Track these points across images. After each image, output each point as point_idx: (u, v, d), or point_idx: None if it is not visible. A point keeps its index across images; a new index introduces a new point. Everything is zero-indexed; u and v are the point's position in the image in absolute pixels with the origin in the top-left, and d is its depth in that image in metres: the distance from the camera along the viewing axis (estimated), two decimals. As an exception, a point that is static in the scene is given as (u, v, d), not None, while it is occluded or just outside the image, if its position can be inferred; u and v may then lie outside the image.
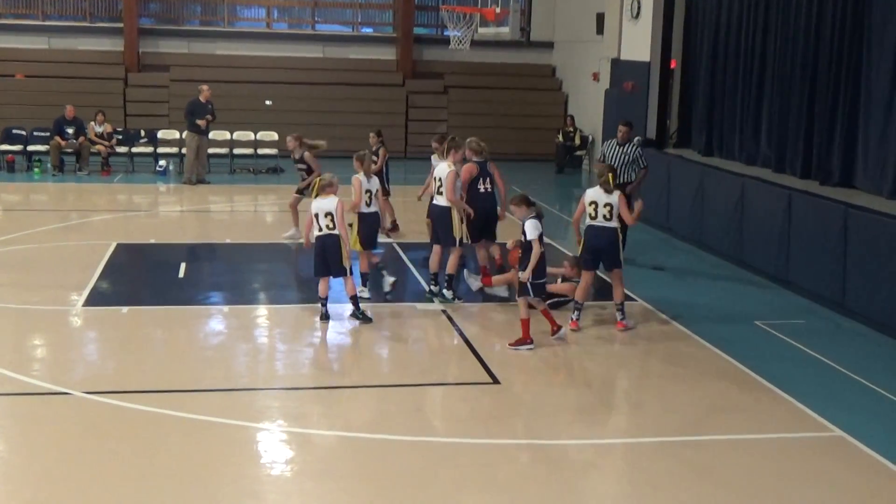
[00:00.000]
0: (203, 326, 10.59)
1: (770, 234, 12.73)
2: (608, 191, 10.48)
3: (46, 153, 20.94)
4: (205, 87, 20.35)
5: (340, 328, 10.68)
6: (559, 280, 11.19)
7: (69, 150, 20.91)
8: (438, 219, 11.45)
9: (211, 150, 22.09)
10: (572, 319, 10.54)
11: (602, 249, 10.61)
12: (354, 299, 10.51)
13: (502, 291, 11.58)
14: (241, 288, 12.19)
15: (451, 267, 11.40)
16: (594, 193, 10.55)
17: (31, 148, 21.38)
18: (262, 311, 11.20)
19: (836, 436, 7.78)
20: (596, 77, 23.28)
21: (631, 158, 13.60)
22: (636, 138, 14.48)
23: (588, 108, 24.06)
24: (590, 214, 10.57)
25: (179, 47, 25.75)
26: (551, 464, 7.18)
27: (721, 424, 8.09)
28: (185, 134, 20.47)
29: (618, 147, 13.74)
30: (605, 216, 10.49)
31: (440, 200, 11.36)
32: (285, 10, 27.04)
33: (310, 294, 12.11)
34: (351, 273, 10.47)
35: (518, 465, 7.12)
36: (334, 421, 7.83)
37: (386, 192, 14.45)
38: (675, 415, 8.26)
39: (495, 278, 11.65)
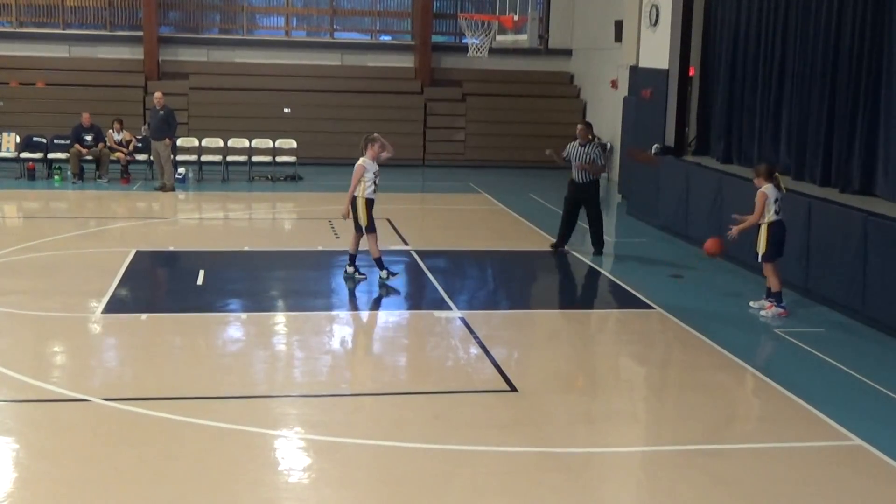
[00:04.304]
0: (221, 333, 10.63)
1: (789, 241, 12.64)
2: (780, 188, 11.51)
3: (66, 161, 21.07)
4: (156, 93, 20.41)
5: (359, 335, 10.69)
6: None
7: (89, 158, 21.03)
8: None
9: (230, 158, 22.23)
10: (783, 308, 11.45)
11: (784, 241, 11.55)
12: None
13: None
14: (259, 295, 12.22)
15: (374, 252, 12.59)
16: (772, 191, 11.41)
17: (51, 156, 21.50)
18: (280, 319, 11.23)
19: (856, 445, 7.73)
20: (614, 84, 23.26)
21: (591, 158, 14.37)
22: (648, 143, 14.58)
23: (606, 116, 24.03)
24: (775, 211, 11.40)
25: (199, 55, 25.89)
26: (569, 472, 7.16)
27: (740, 433, 8.06)
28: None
29: (579, 147, 14.51)
30: (776, 211, 11.44)
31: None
32: (304, 19, 27.14)
33: (328, 301, 12.16)
34: None
35: (535, 473, 7.10)
36: (352, 428, 7.83)
37: None
38: (694, 423, 8.22)
39: None
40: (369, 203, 12.45)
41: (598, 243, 14.82)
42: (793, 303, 12.08)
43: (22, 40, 25.12)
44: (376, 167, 12.47)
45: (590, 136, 14.62)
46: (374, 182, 12.44)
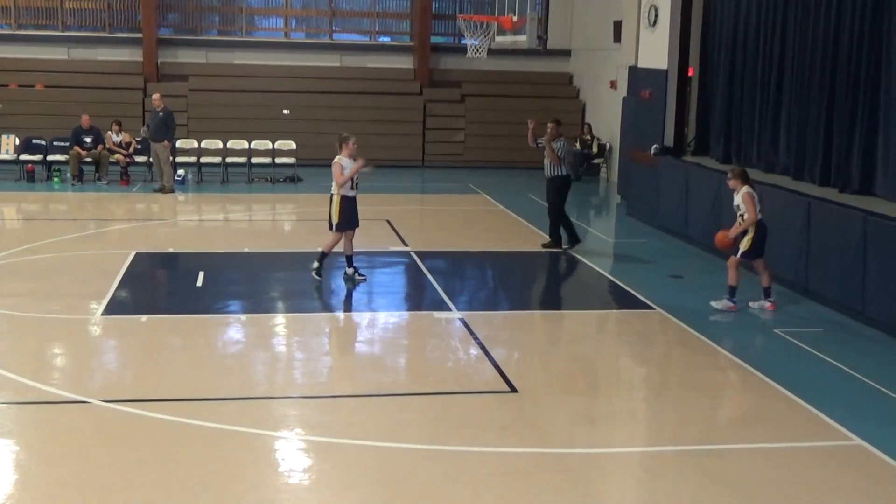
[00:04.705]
0: (221, 335, 10.63)
1: (789, 241, 12.67)
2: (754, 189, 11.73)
3: (66, 163, 21.06)
4: (155, 95, 20.39)
5: (358, 336, 10.70)
6: None
7: (88, 160, 21.03)
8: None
9: (229, 160, 22.24)
10: (771, 303, 11.68)
11: (765, 241, 11.71)
12: None
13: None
14: (259, 297, 12.23)
15: (326, 246, 12.65)
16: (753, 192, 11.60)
17: (50, 158, 21.49)
18: (279, 320, 11.23)
19: (856, 445, 7.73)
20: (613, 85, 23.27)
21: (560, 155, 14.70)
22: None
23: (606, 116, 24.04)
24: (760, 211, 11.53)
25: (198, 57, 25.88)
26: (569, 473, 7.16)
27: (740, 433, 8.05)
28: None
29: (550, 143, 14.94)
30: (759, 210, 11.58)
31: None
32: (303, 20, 27.14)
33: (328, 303, 12.16)
34: None
35: (535, 473, 7.10)
36: (352, 429, 7.84)
37: None
38: (694, 424, 8.23)
39: None
40: (345, 201, 12.43)
41: (570, 238, 15.06)
42: (793, 302, 12.10)
43: (21, 42, 25.11)
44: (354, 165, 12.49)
45: (559, 134, 14.79)
46: (352, 180, 12.40)
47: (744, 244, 11.60)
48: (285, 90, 25.26)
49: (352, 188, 12.43)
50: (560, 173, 14.86)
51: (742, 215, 11.57)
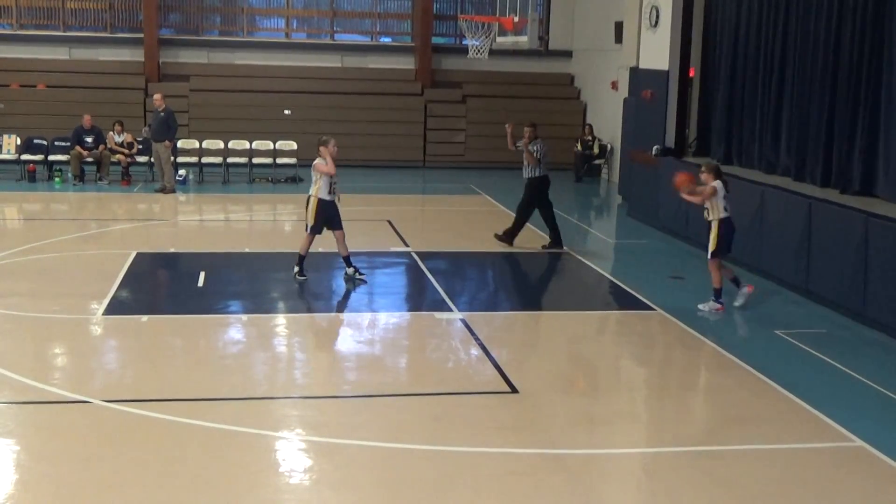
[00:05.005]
0: (222, 335, 10.62)
1: (790, 242, 12.67)
2: (727, 188, 11.67)
3: (67, 163, 21.06)
4: (156, 95, 20.37)
5: (359, 337, 10.69)
6: None
7: (90, 160, 21.02)
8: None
9: (230, 160, 22.23)
10: (720, 304, 11.59)
11: (732, 240, 11.75)
12: None
13: None
14: (259, 297, 12.23)
15: (302, 248, 12.68)
16: (721, 188, 11.51)
17: (51, 157, 21.49)
18: (280, 321, 11.22)
19: (857, 446, 7.72)
20: (615, 86, 23.26)
21: (538, 156, 14.87)
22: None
23: (607, 117, 24.03)
24: (725, 208, 11.52)
25: (199, 57, 25.88)
26: (570, 473, 7.16)
27: (741, 434, 8.05)
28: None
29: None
30: (725, 208, 11.59)
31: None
32: (304, 20, 27.14)
33: (329, 303, 12.16)
34: None
35: (536, 474, 7.10)
36: (352, 430, 7.83)
37: None
38: (695, 425, 8.23)
39: None
40: (321, 204, 12.40)
41: (509, 235, 15.31)
42: (793, 303, 12.10)
43: (22, 42, 25.13)
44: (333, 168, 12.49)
45: (536, 136, 14.95)
46: (332, 184, 12.40)
47: (710, 244, 11.60)
48: (286, 90, 25.26)
49: (329, 192, 12.41)
50: (536, 174, 15.02)
51: (707, 209, 11.60)
